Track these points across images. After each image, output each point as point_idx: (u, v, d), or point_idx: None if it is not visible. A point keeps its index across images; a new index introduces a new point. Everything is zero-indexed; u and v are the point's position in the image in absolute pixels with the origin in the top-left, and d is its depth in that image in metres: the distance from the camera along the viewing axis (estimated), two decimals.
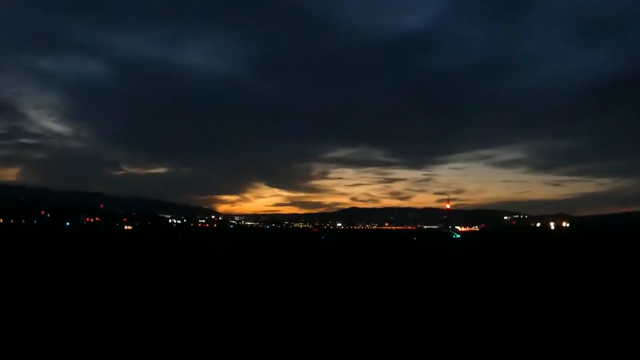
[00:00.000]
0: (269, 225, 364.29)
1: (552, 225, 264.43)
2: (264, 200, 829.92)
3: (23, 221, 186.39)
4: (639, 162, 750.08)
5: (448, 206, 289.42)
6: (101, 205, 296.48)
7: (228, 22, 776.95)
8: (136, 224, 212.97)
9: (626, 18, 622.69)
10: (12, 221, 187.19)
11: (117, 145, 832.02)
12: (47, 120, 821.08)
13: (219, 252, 40.23)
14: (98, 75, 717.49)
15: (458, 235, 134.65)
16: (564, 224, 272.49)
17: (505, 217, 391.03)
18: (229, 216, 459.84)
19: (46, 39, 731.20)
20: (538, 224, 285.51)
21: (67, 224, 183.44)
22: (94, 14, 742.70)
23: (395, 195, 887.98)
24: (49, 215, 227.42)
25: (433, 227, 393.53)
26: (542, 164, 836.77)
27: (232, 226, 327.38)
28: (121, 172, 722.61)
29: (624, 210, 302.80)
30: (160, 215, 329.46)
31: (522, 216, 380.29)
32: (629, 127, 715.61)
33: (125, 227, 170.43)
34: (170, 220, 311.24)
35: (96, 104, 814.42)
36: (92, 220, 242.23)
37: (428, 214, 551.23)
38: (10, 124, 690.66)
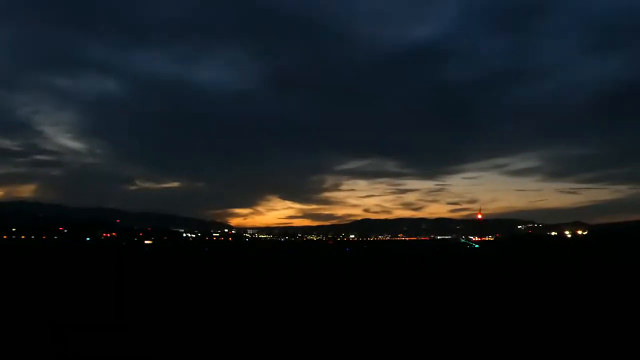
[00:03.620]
0: (283, 238, 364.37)
1: (567, 233, 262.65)
2: (276, 213, 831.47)
3: (44, 237, 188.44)
4: None
5: (480, 216, 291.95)
6: (117, 221, 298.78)
7: (241, 37, 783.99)
8: (153, 238, 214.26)
9: (638, 26, 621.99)
10: (32, 237, 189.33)
11: (132, 161, 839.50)
12: (63, 137, 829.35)
13: (263, 267, 40.61)
14: (113, 92, 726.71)
15: (476, 245, 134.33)
16: (580, 232, 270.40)
17: (520, 227, 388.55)
18: (242, 229, 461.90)
19: (62, 57, 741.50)
20: (554, 233, 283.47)
21: (88, 239, 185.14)
22: (109, 33, 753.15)
23: (407, 206, 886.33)
24: (65, 231, 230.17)
25: (446, 237, 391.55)
26: (557, 172, 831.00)
27: (247, 239, 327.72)
28: (135, 187, 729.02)
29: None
30: (174, 229, 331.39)
31: (537, 225, 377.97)
32: None
33: (146, 242, 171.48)
34: (184, 235, 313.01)
35: (111, 120, 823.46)
36: (109, 235, 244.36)
37: (441, 224, 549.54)
38: (27, 142, 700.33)
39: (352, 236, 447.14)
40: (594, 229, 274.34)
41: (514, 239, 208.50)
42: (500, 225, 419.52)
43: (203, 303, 17.21)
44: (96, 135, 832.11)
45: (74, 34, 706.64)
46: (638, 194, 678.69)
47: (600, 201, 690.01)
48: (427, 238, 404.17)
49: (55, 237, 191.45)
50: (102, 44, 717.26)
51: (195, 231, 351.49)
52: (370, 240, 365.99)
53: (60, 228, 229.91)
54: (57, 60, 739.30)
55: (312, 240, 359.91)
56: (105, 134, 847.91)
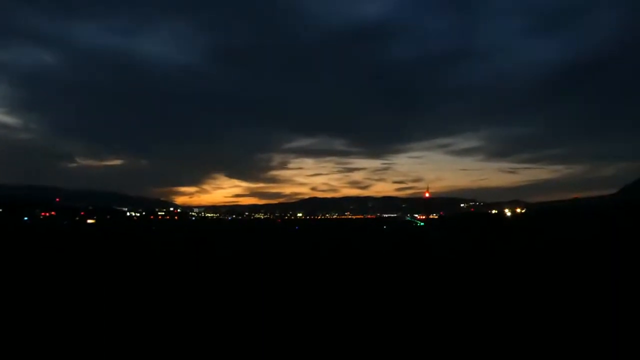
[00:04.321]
0: (230, 217, 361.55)
1: (507, 211, 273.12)
2: (223, 191, 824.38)
3: None
4: (589, 149, 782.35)
5: (427, 195, 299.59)
6: (57, 200, 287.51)
7: (186, 10, 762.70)
8: (95, 217, 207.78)
9: (577, 11, 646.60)
10: None
11: (71, 137, 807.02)
12: None
13: (227, 246, 39.72)
14: (49, 65, 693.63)
15: (421, 224, 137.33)
16: (519, 210, 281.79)
17: (462, 205, 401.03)
18: (187, 208, 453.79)
19: None
20: (494, 211, 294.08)
21: (25, 218, 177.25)
22: (45, 2, 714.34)
23: (354, 184, 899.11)
24: (0, 210, 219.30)
25: (392, 215, 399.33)
26: (498, 152, 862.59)
27: (194, 218, 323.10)
28: (75, 165, 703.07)
29: (575, 196, 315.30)
30: (117, 208, 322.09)
31: (478, 203, 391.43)
32: (580, 115, 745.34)
33: (88, 221, 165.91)
34: (128, 213, 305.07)
35: (48, 94, 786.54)
36: (47, 214, 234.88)
37: (387, 202, 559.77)
38: None
39: (300, 215, 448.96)
40: (532, 207, 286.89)
41: (457, 217, 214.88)
42: (444, 203, 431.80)
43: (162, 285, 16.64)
44: (31, 110, 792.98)
45: (5, 2, 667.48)
46: (573, 173, 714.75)
47: (538, 180, 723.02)
48: (373, 216, 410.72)
49: None
50: (38, 13, 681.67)
51: (140, 210, 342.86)
52: (318, 218, 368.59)
53: None
54: None
55: (260, 218, 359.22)
56: (41, 109, 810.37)
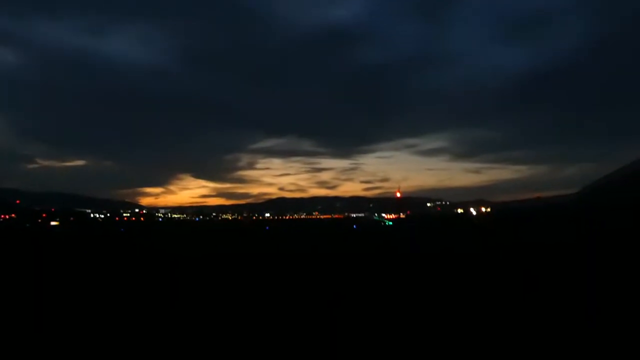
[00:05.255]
0: (198, 218, 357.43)
1: (473, 211, 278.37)
2: (189, 192, 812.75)
3: None
4: (551, 151, 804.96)
5: (398, 194, 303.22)
6: (17, 202, 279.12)
7: (153, 11, 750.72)
8: (59, 219, 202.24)
9: (544, 18, 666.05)
10: None
11: (31, 137, 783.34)
12: None
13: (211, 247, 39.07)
14: (9, 63, 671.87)
15: (390, 223, 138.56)
16: (484, 209, 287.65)
17: (429, 204, 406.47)
18: (153, 209, 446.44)
19: None
20: (460, 210, 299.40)
21: None
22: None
23: (322, 184, 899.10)
24: None
25: (360, 214, 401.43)
26: (463, 153, 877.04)
27: (160, 219, 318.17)
28: (36, 166, 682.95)
29: (537, 195, 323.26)
30: (80, 210, 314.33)
31: (444, 202, 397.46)
32: (544, 118, 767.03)
33: (52, 223, 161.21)
34: (91, 215, 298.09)
35: (7, 94, 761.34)
36: (7, 217, 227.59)
37: (354, 202, 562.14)
38: None
39: (268, 215, 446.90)
40: (497, 207, 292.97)
41: (424, 217, 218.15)
42: (411, 203, 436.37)
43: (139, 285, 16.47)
44: None
45: None
46: (536, 174, 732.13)
47: (502, 180, 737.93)
48: (341, 216, 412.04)
49: None
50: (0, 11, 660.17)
51: (104, 211, 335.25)
52: (286, 219, 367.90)
53: None
54: None
55: (228, 219, 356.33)
56: (1, 109, 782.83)
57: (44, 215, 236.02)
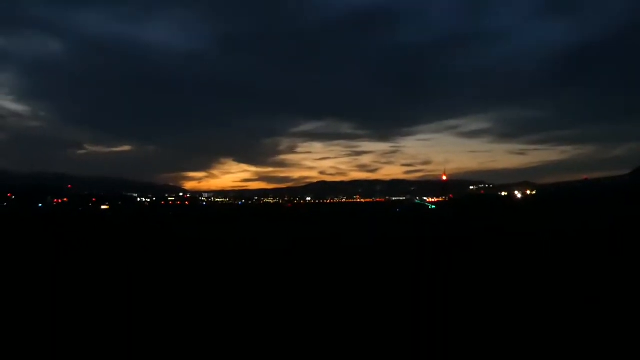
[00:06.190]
0: (240, 202, 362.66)
1: (517, 193, 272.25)
2: (231, 176, 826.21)
3: None
4: (598, 130, 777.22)
5: (444, 177, 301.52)
6: (69, 186, 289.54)
7: None
8: (108, 203, 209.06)
9: None
10: None
11: (79, 124, 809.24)
12: (4, 99, 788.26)
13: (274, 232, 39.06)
14: (57, 53, 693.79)
15: (433, 206, 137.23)
16: (529, 192, 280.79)
17: (471, 187, 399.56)
18: (197, 193, 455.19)
19: (0, 14, 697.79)
20: (504, 193, 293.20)
21: (40, 205, 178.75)
22: None
23: (363, 168, 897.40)
24: (13, 197, 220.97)
25: (401, 198, 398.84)
26: (506, 134, 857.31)
27: (204, 203, 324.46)
28: (84, 152, 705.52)
29: (584, 177, 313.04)
30: (127, 194, 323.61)
31: (487, 185, 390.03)
32: (589, 96, 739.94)
33: (102, 207, 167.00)
34: (138, 199, 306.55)
35: (55, 82, 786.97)
36: (60, 201, 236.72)
37: (395, 185, 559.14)
38: None
39: (309, 199, 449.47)
40: (542, 189, 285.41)
41: (469, 199, 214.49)
42: (453, 186, 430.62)
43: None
44: (39, 98, 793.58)
45: None
46: (582, 154, 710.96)
47: (548, 162, 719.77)
48: (382, 200, 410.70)
49: (5, 204, 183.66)
50: (43, 0, 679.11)
51: (150, 195, 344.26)
52: (327, 202, 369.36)
53: (9, 194, 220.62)
54: None
55: (269, 203, 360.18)
56: (49, 96, 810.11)
57: (93, 199, 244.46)
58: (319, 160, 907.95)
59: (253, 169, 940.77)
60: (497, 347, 7.95)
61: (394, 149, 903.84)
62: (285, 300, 11.43)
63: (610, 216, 40.58)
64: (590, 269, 14.61)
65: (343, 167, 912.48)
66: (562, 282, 12.83)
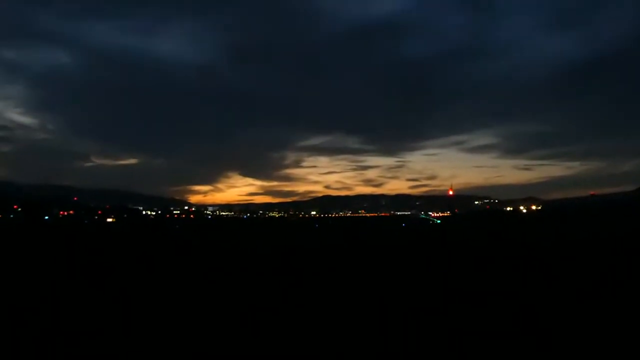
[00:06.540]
0: (246, 216, 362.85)
1: (522, 209, 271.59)
2: (237, 189, 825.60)
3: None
4: (605, 146, 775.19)
5: (451, 192, 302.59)
6: (75, 198, 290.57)
7: (200, 10, 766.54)
8: (113, 216, 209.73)
9: (594, 6, 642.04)
10: None
11: (86, 136, 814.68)
12: (12, 112, 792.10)
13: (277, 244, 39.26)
14: (65, 64, 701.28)
15: (437, 221, 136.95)
16: (534, 207, 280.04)
17: (477, 202, 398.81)
18: (202, 206, 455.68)
19: (10, 27, 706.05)
20: (509, 208, 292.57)
21: (46, 217, 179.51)
22: (60, 2, 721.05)
23: (368, 182, 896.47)
24: (20, 209, 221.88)
25: (405, 212, 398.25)
26: (512, 149, 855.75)
27: (209, 217, 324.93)
28: (90, 164, 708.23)
29: (591, 192, 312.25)
30: (133, 207, 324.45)
31: (493, 200, 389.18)
32: (596, 111, 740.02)
33: (108, 220, 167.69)
34: (144, 212, 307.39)
35: (63, 94, 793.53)
36: (65, 213, 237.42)
37: (400, 200, 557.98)
38: None
39: (314, 213, 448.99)
40: (548, 205, 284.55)
41: (473, 215, 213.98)
42: (458, 201, 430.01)
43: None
44: (48, 110, 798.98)
45: (23, 3, 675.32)
46: (589, 170, 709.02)
47: (554, 177, 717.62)
48: (387, 214, 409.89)
49: (12, 216, 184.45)
50: (52, 13, 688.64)
51: (155, 209, 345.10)
52: (332, 216, 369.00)
53: (15, 206, 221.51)
54: (3, 31, 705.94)
55: (274, 217, 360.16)
56: (57, 109, 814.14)
57: (99, 212, 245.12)
58: (324, 174, 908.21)
59: (258, 182, 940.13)
60: None
61: (400, 163, 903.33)
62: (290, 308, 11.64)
63: (618, 232, 40.34)
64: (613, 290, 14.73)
65: (348, 181, 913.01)
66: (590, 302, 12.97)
